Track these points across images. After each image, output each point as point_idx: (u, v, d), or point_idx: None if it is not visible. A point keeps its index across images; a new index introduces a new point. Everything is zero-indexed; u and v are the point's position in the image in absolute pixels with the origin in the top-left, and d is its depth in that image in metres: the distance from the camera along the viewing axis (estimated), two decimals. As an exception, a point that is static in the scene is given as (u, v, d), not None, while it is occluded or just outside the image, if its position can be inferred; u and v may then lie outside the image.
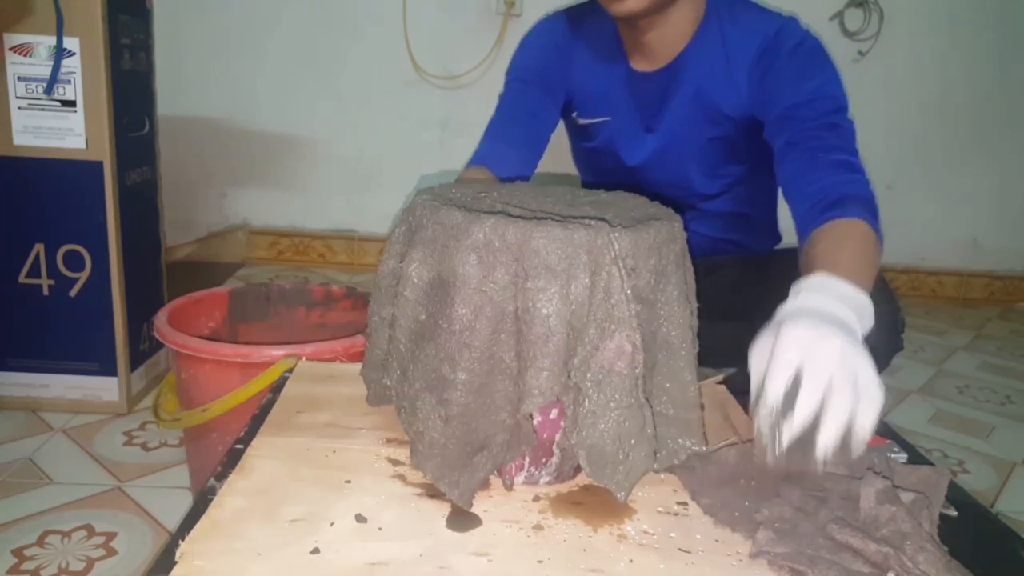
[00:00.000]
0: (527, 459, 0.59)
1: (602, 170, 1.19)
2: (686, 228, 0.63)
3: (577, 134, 1.18)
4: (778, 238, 1.23)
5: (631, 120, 1.09)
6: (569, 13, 1.12)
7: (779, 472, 0.55)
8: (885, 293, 0.99)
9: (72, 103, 1.25)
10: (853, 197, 0.82)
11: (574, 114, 1.14)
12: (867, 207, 0.81)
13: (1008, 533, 0.61)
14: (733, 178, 1.11)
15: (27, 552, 0.98)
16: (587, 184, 1.26)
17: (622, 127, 1.10)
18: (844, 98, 0.94)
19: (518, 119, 1.10)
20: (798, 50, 0.96)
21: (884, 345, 0.99)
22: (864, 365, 0.56)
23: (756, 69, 0.98)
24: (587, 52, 1.09)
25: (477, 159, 1.07)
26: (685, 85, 1.03)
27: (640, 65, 1.06)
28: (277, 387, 0.76)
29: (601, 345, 0.54)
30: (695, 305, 0.63)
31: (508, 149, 1.07)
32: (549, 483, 0.61)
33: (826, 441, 0.53)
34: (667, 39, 1.01)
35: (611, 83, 1.08)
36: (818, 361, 0.54)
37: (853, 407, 0.54)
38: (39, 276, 1.31)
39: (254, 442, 0.64)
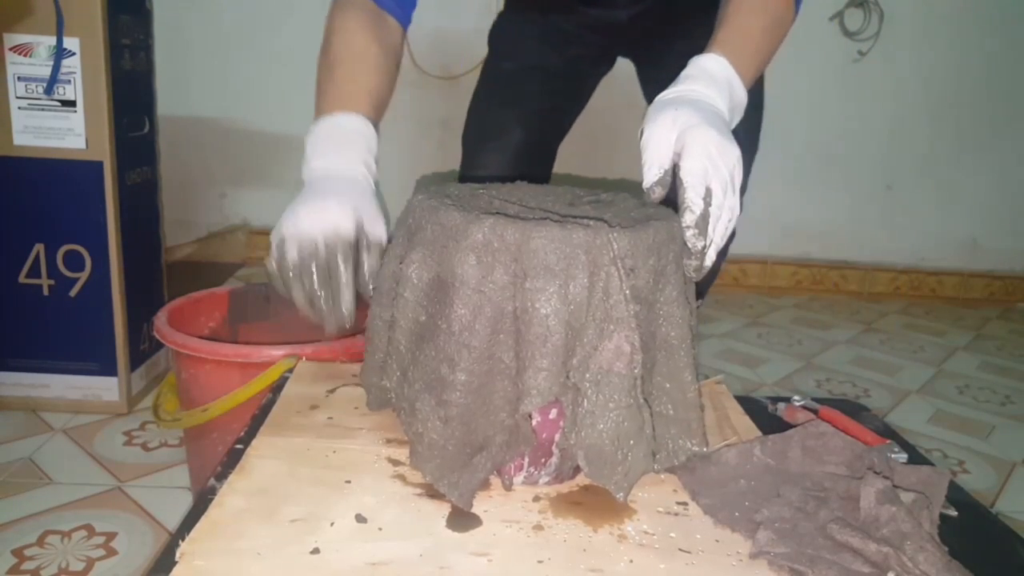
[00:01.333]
0: (526, 459, 0.59)
1: None
2: None
3: None
4: None
5: None
6: None
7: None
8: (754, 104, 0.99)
9: (72, 103, 1.25)
10: None
11: None
12: None
13: (1008, 533, 0.61)
14: None
15: (27, 552, 0.98)
16: None
17: None
18: None
19: None
20: None
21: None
22: (740, 171, 0.66)
23: None
24: None
25: None
26: None
27: None
28: (277, 387, 0.76)
29: (600, 345, 0.54)
30: (695, 305, 0.63)
31: None
32: (549, 483, 0.61)
33: (720, 242, 0.64)
34: None
35: None
36: (722, 174, 0.63)
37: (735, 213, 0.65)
38: (39, 276, 1.31)
39: (254, 442, 0.64)
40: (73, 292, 1.32)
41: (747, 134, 0.98)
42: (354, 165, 0.77)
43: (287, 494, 0.56)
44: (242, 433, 0.66)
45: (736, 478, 0.62)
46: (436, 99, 2.27)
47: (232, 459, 0.61)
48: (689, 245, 0.61)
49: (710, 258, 0.62)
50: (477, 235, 0.55)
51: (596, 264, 0.54)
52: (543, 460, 0.60)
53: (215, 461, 0.62)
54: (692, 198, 0.61)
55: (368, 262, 0.70)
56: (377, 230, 0.72)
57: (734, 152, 0.65)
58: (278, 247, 0.69)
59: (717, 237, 0.63)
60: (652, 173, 0.65)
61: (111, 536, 1.02)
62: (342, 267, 0.68)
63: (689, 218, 0.61)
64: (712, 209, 0.62)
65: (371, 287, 0.69)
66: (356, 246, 0.69)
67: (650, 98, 1.24)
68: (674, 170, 0.65)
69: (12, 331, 1.33)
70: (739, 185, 0.65)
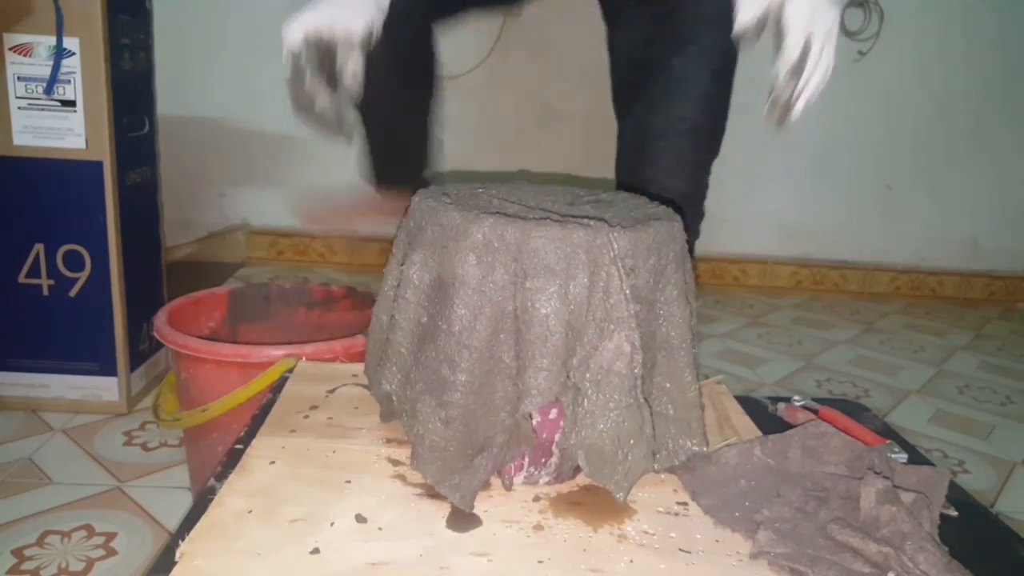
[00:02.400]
0: (527, 459, 0.59)
1: None
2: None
3: None
4: None
5: None
6: None
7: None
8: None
9: (72, 103, 1.25)
10: None
11: None
12: None
13: (1008, 533, 0.61)
14: None
15: (27, 552, 0.98)
16: None
17: None
18: None
19: None
20: None
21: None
22: (836, 34, 0.66)
23: None
24: None
25: None
26: None
27: None
28: (277, 387, 0.76)
29: (600, 345, 0.54)
30: (695, 305, 0.63)
31: None
32: (549, 483, 0.61)
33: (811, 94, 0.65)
34: None
35: None
36: (823, 26, 0.63)
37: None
38: (39, 276, 1.31)
39: (254, 442, 0.64)
40: (73, 292, 1.31)
41: (710, 138, 0.97)
42: None
43: (287, 494, 0.56)
44: (242, 433, 0.66)
45: (736, 478, 0.62)
46: (436, 99, 2.26)
47: (232, 459, 0.61)
48: (776, 91, 0.61)
49: (797, 110, 0.62)
50: (477, 235, 0.55)
51: (596, 264, 0.54)
52: (543, 460, 0.60)
53: (215, 461, 0.62)
54: (791, 44, 0.61)
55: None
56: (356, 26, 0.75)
57: (832, 14, 0.65)
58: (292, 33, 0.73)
59: (809, 89, 0.62)
60: (750, 12, 0.64)
61: (111, 536, 1.02)
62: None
63: (785, 62, 0.61)
64: (810, 57, 0.61)
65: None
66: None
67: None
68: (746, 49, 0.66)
69: (12, 331, 1.33)
70: (834, 42, 0.65)
